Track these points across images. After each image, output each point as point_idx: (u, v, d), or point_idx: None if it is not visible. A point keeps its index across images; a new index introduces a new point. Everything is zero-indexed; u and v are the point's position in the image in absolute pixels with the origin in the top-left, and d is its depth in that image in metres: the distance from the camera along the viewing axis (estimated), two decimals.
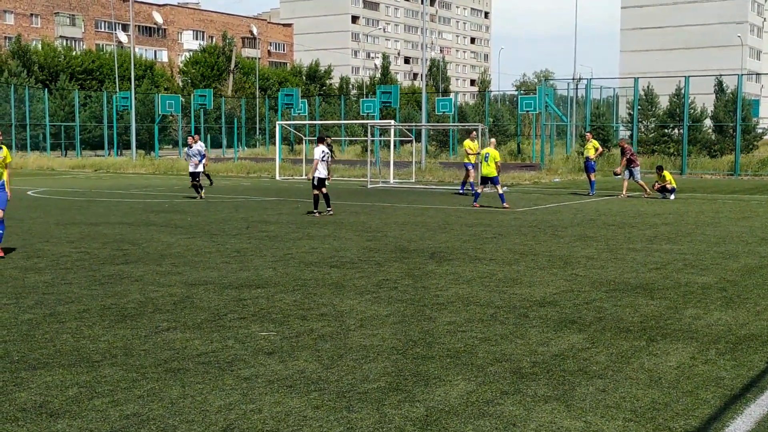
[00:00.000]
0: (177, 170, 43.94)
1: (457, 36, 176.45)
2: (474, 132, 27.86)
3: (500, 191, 22.06)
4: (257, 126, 72.27)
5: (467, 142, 27.41)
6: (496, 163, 22.06)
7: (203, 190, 25.44)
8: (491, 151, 22.22)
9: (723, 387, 6.19)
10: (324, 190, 19.70)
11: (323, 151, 19.81)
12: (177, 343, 7.43)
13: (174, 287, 10.15)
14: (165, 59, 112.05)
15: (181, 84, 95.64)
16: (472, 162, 26.62)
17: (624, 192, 26.03)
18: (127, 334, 7.74)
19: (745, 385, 6.23)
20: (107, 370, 6.56)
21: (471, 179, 26.69)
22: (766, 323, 8.29)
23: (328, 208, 19.77)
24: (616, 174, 27.42)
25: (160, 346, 7.30)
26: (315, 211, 19.62)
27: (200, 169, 25.48)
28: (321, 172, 19.65)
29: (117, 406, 5.69)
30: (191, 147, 25.71)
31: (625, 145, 26.70)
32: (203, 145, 26.02)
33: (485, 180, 22.33)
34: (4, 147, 12.75)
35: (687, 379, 6.41)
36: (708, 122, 45.81)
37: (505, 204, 21.39)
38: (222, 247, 13.94)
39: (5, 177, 12.84)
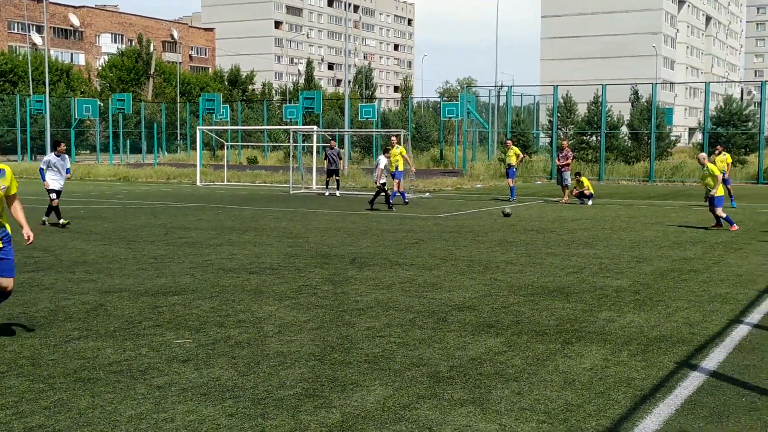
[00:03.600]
0: (94, 176, 43.01)
1: (381, 43, 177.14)
2: (394, 137, 27.74)
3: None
4: (178, 131, 71.24)
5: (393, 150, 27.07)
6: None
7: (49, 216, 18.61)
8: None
9: (634, 387, 6.31)
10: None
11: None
12: (88, 352, 7.23)
13: (87, 295, 9.90)
14: (82, 62, 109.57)
15: (98, 88, 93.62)
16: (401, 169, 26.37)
17: (565, 197, 26.41)
18: (35, 344, 7.50)
19: (654, 386, 6.37)
20: (12, 381, 6.34)
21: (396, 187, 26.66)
22: (676, 325, 8.50)
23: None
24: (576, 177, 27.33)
25: (69, 356, 7.09)
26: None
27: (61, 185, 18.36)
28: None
29: (21, 418, 5.50)
30: (62, 156, 18.37)
31: (566, 146, 27.18)
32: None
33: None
34: (7, 169, 7.75)
35: (600, 380, 6.51)
36: (624, 129, 46.88)
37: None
38: (139, 253, 13.66)
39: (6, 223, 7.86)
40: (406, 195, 25.70)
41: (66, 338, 7.72)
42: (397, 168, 24.99)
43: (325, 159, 30.80)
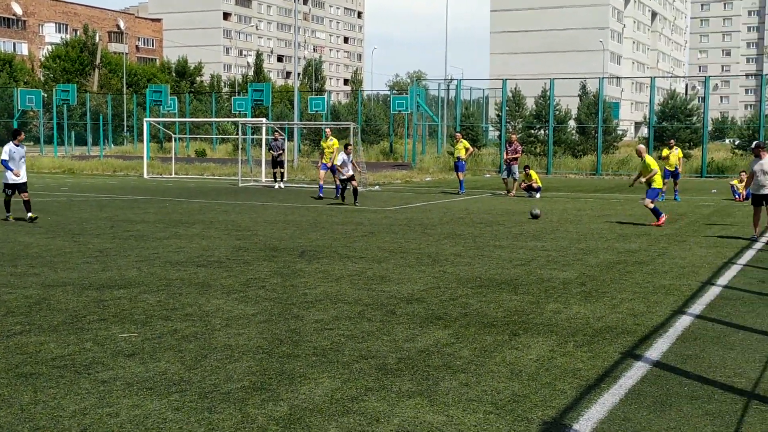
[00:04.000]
0: (38, 168, 42.21)
1: (331, 35, 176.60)
2: (328, 129, 27.59)
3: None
4: (125, 123, 70.25)
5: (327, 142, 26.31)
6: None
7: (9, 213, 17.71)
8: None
9: (579, 378, 6.39)
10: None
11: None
12: (30, 347, 7.10)
13: (30, 289, 9.71)
14: (25, 52, 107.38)
15: (42, 78, 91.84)
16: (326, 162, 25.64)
17: (514, 190, 26.60)
18: None
19: (599, 376, 6.46)
20: None
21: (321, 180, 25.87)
22: (621, 316, 8.63)
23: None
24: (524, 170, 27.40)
25: (11, 351, 6.96)
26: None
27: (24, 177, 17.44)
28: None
29: None
30: (21, 145, 17.52)
31: (515, 139, 27.39)
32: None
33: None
34: None
35: (546, 371, 6.58)
36: (572, 123, 47.46)
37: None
38: (84, 247, 13.45)
39: None
40: (323, 189, 25.36)
41: (8, 333, 7.57)
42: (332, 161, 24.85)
43: (270, 150, 30.56)
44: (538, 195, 26.00)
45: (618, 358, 6.98)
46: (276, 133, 31.54)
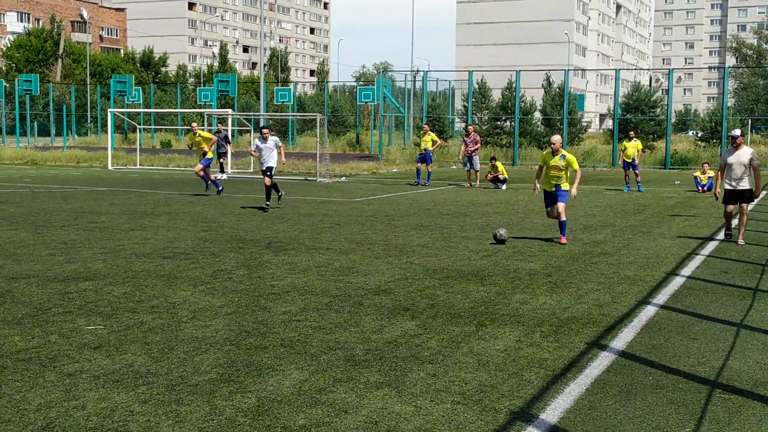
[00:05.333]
0: (0, 159, 41.62)
1: (297, 26, 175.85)
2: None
3: None
4: (89, 114, 69.41)
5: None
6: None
7: None
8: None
9: (546, 368, 6.45)
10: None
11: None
12: None
13: None
14: None
15: (4, 68, 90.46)
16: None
17: (477, 181, 26.74)
18: None
19: (566, 366, 6.52)
20: None
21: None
22: (587, 306, 8.71)
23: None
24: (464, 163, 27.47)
25: None
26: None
27: None
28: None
29: None
30: None
31: (471, 130, 27.55)
32: None
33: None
34: None
35: (513, 361, 6.63)
36: (537, 115, 47.73)
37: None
38: (48, 238, 13.29)
39: None
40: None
41: None
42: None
43: None
44: (504, 186, 26.13)
45: (584, 348, 7.05)
46: (219, 125, 31.63)
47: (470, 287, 9.68)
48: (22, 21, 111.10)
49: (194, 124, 23.53)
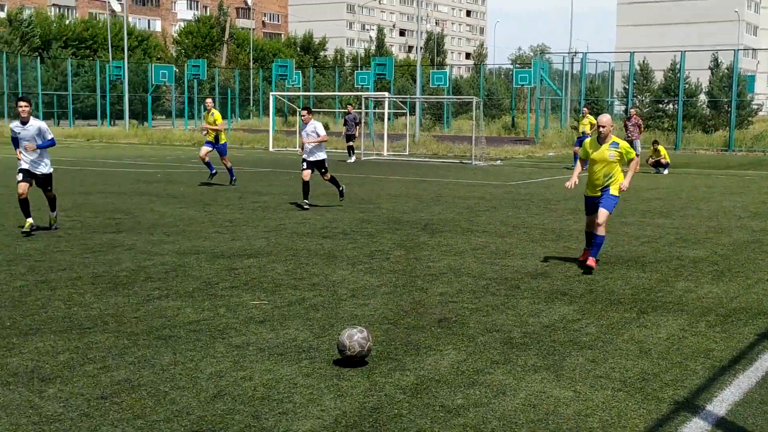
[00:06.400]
0: (170, 141, 43.76)
1: (453, 9, 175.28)
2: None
3: None
4: (251, 97, 71.90)
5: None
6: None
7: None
8: None
9: (712, 359, 6.22)
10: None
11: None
12: (168, 311, 7.43)
13: (166, 256, 10.13)
14: (158, 29, 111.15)
15: (174, 54, 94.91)
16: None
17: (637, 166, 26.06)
18: (118, 302, 7.73)
19: (734, 357, 6.26)
20: (98, 337, 6.56)
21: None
22: (757, 296, 8.32)
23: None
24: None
25: (151, 314, 7.30)
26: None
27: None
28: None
29: (108, 372, 5.69)
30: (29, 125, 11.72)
31: (633, 113, 26.76)
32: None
33: None
34: None
35: (676, 350, 6.43)
36: (703, 98, 45.70)
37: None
38: (214, 217, 13.91)
39: None
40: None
41: (147, 297, 7.93)
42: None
43: (345, 125, 30.87)
44: (666, 171, 25.24)
45: (753, 340, 6.75)
46: (349, 106, 31.75)
47: (630, 273, 9.44)
48: (191, 9, 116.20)
49: (209, 100, 20.64)
